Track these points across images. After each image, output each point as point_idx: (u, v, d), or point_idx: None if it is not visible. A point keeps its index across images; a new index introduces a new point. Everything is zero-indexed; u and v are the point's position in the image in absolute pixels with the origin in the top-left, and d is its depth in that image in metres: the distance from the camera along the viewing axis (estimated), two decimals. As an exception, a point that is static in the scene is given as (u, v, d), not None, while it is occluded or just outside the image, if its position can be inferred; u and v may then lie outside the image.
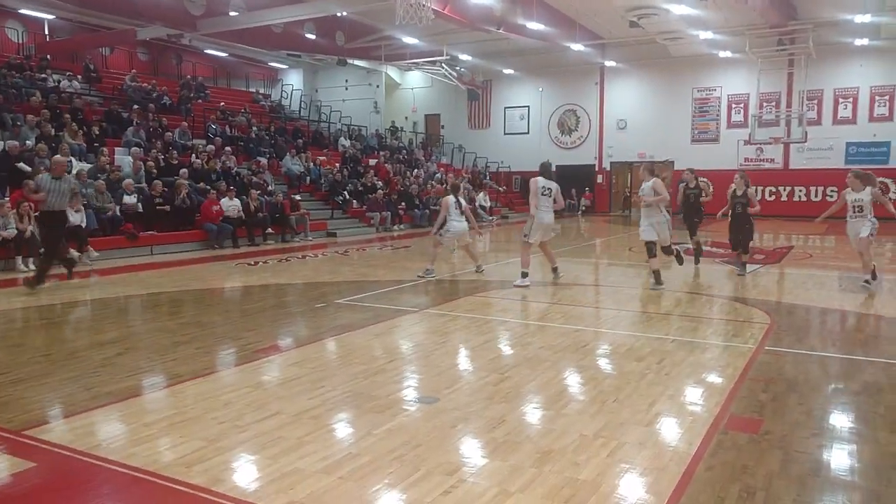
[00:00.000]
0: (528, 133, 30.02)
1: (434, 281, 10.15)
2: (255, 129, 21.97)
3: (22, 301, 8.82)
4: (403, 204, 21.39)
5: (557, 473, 3.48)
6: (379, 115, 30.90)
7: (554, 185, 9.73)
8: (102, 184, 13.63)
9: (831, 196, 23.83)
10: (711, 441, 3.90)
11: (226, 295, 9.83)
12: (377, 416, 4.33)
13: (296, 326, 7.42)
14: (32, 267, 11.23)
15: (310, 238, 17.17)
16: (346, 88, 31.12)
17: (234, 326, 7.23)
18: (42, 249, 10.10)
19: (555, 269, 10.01)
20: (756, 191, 24.64)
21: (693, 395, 4.80)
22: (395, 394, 4.85)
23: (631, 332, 6.92)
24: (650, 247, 9.36)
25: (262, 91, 29.34)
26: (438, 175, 25.72)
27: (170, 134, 18.18)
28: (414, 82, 31.81)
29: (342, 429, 4.21)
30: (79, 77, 20.43)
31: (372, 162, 24.19)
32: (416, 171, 25.23)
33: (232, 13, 19.89)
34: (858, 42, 22.62)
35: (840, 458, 3.74)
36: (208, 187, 15.74)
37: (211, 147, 18.34)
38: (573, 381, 5.24)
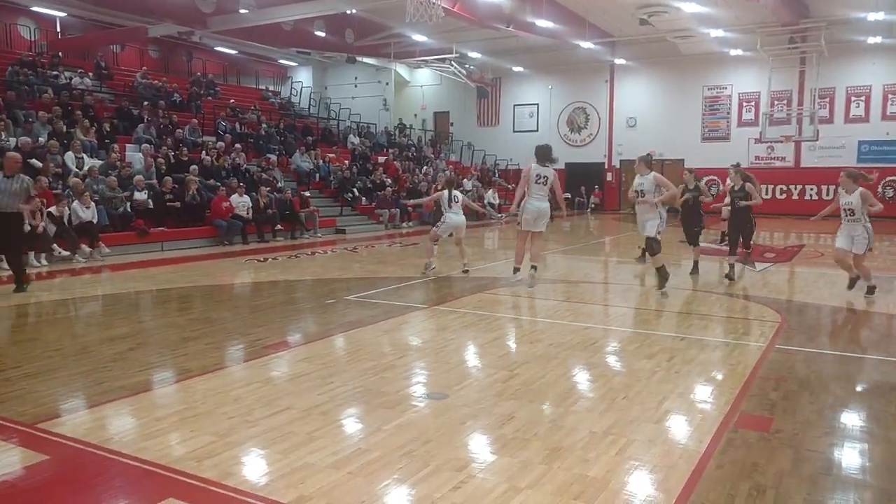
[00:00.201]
0: (537, 131, 29.96)
1: (443, 278, 10.16)
2: (264, 126, 22.04)
3: (34, 296, 8.89)
4: (412, 200, 21.37)
5: (567, 470, 3.48)
6: (388, 113, 30.93)
7: (550, 173, 8.91)
8: (114, 180, 13.71)
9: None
10: (721, 439, 3.89)
11: (235, 291, 9.87)
12: (387, 411, 4.34)
13: (305, 322, 7.45)
14: (45, 262, 11.33)
15: (319, 235, 17.22)
16: (356, 86, 31.17)
17: (244, 322, 7.26)
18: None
19: (533, 268, 9.19)
20: (766, 189, 24.79)
21: (703, 393, 4.79)
22: (405, 390, 4.86)
23: (640, 329, 6.90)
24: (652, 244, 8.78)
25: (271, 88, 29.40)
26: (444, 171, 25.68)
27: (180, 131, 18.27)
28: (423, 80, 31.81)
29: (352, 424, 4.22)
30: (90, 74, 20.55)
31: (381, 159, 24.22)
32: (425, 168, 25.23)
33: (242, 11, 19.95)
34: (871, 40, 22.43)
35: (851, 457, 3.72)
36: (218, 184, 15.81)
37: (221, 144, 18.42)
38: (582, 378, 5.23)
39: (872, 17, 19.92)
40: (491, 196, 24.54)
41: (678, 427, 4.17)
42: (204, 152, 17.37)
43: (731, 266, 9.74)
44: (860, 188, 8.08)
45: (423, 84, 31.95)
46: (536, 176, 8.83)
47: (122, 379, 5.04)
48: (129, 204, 13.74)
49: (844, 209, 8.19)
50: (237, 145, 18.92)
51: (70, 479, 3.49)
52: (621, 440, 3.86)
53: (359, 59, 27.33)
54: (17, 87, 16.89)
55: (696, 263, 10.46)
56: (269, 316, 7.57)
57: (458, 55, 25.64)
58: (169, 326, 7.06)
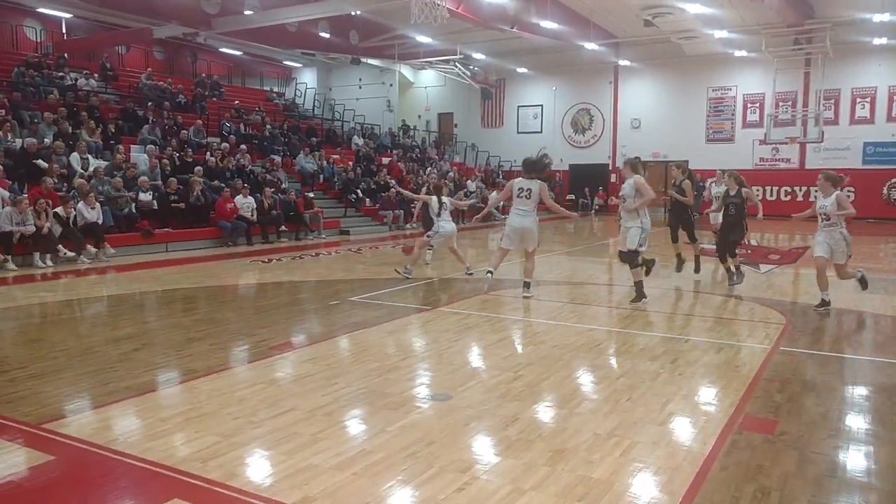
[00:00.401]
0: (541, 132, 29.94)
1: (445, 280, 10.16)
2: (269, 127, 22.08)
3: (39, 297, 8.93)
4: (415, 202, 21.39)
5: (571, 472, 3.48)
6: (392, 114, 30.96)
7: (535, 185, 8.23)
8: (119, 181, 13.75)
9: (848, 196, 23.57)
10: (726, 441, 3.89)
11: (240, 292, 9.89)
12: (391, 413, 4.34)
13: (309, 324, 7.46)
14: (50, 263, 11.38)
15: (323, 236, 17.24)
16: (360, 87, 31.20)
17: (248, 323, 7.28)
18: None
19: (527, 284, 8.56)
20: (771, 191, 24.72)
21: (707, 395, 4.78)
22: (409, 391, 4.86)
23: (644, 331, 6.90)
24: (631, 257, 8.14)
25: (276, 89, 29.46)
26: (452, 173, 25.70)
27: (185, 132, 18.32)
28: (427, 81, 31.82)
29: (356, 425, 4.23)
30: (95, 75, 20.63)
31: (385, 160, 24.23)
32: (429, 169, 25.24)
33: (247, 12, 19.98)
34: (877, 41, 22.37)
35: (856, 460, 3.72)
36: (223, 185, 15.84)
37: (225, 145, 18.45)
38: (586, 379, 5.23)
39: (878, 18, 19.86)
40: (495, 197, 24.52)
41: (682, 429, 4.16)
42: (208, 153, 17.41)
43: (731, 271, 9.21)
44: (837, 192, 7.65)
45: (427, 85, 31.97)
46: (518, 189, 8.25)
47: (128, 379, 5.06)
48: (133, 205, 13.78)
49: (820, 214, 7.73)
50: (242, 146, 18.96)
51: (76, 479, 3.50)
52: (625, 442, 3.86)
53: (363, 60, 27.36)
54: (23, 89, 16.98)
55: (697, 258, 10.28)
56: (273, 317, 7.59)
57: (462, 56, 25.63)
58: (174, 327, 7.08)
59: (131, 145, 16.40)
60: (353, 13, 21.45)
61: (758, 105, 25.73)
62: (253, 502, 3.18)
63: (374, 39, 25.13)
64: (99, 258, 12.03)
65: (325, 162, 21.19)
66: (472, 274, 10.16)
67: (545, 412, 4.44)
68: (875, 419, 4.34)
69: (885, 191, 23.86)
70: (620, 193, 8.28)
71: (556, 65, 28.06)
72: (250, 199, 15.62)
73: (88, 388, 4.91)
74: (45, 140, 14.33)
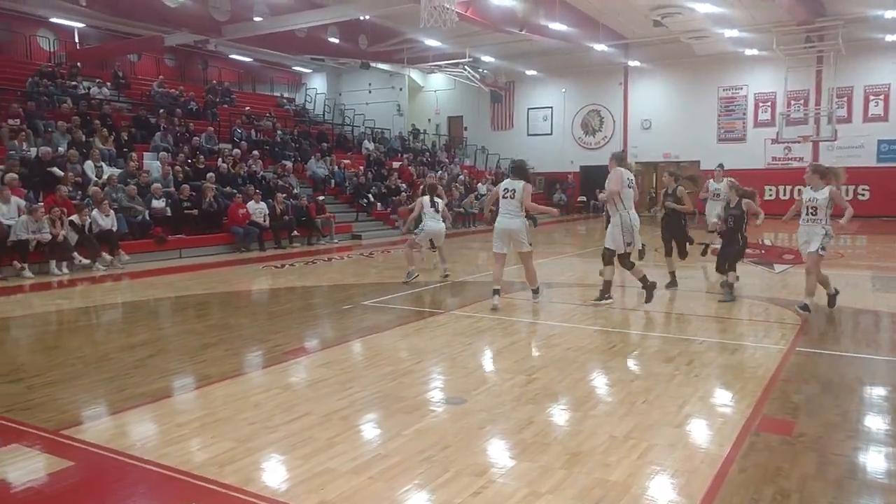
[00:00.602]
0: (551, 134, 29.91)
1: (458, 283, 10.16)
2: (279, 132, 22.19)
3: (55, 304, 9.01)
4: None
5: (587, 475, 3.46)
6: (402, 118, 31.02)
7: (519, 186, 7.97)
8: (133, 188, 13.86)
9: (862, 195, 23.39)
10: (744, 443, 3.85)
11: (253, 297, 9.93)
12: (406, 416, 4.34)
13: (323, 328, 7.48)
14: (66, 270, 11.47)
15: (335, 241, 17.28)
16: (370, 91, 31.30)
17: (262, 329, 7.30)
18: None
19: (535, 290, 8.32)
20: (784, 190, 24.52)
21: (724, 397, 4.74)
22: (423, 395, 4.86)
23: (659, 333, 6.86)
24: (606, 254, 8.04)
25: (286, 95, 29.61)
26: (462, 176, 25.71)
27: (196, 138, 18.44)
28: (437, 85, 31.87)
29: (371, 430, 4.23)
30: (108, 84, 20.82)
31: (395, 164, 24.28)
32: (439, 173, 25.26)
33: (256, 18, 20.10)
34: (890, 38, 22.17)
35: (877, 461, 3.67)
36: (235, 191, 15.93)
37: (237, 151, 18.56)
38: (601, 382, 5.21)
39: (890, 14, 19.68)
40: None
41: (699, 431, 4.14)
42: (220, 160, 17.52)
43: (725, 285, 8.48)
44: (829, 186, 7.27)
45: (436, 89, 32.02)
46: (504, 190, 8.07)
47: (143, 385, 5.09)
48: (147, 212, 13.88)
49: (807, 206, 7.33)
50: (254, 152, 19.06)
51: (95, 485, 3.52)
52: (642, 444, 3.84)
53: (372, 64, 27.43)
54: (38, 98, 17.15)
55: (672, 275, 9.32)
56: (286, 322, 7.61)
57: (471, 59, 25.66)
58: (188, 333, 7.11)
59: (144, 153, 16.53)
60: (361, 18, 21.52)
61: (769, 104, 25.56)
62: (270, 507, 3.18)
63: (384, 44, 25.20)
64: (114, 265, 12.12)
65: (336, 167, 21.26)
66: (448, 276, 10.34)
67: (560, 415, 4.42)
68: (895, 419, 4.29)
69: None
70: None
71: (566, 66, 28.01)
72: (262, 205, 15.69)
73: (105, 394, 4.95)
74: (60, 148, 14.46)
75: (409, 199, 20.91)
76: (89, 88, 19.54)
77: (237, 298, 9.59)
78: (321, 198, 18.36)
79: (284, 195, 16.74)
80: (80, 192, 13.23)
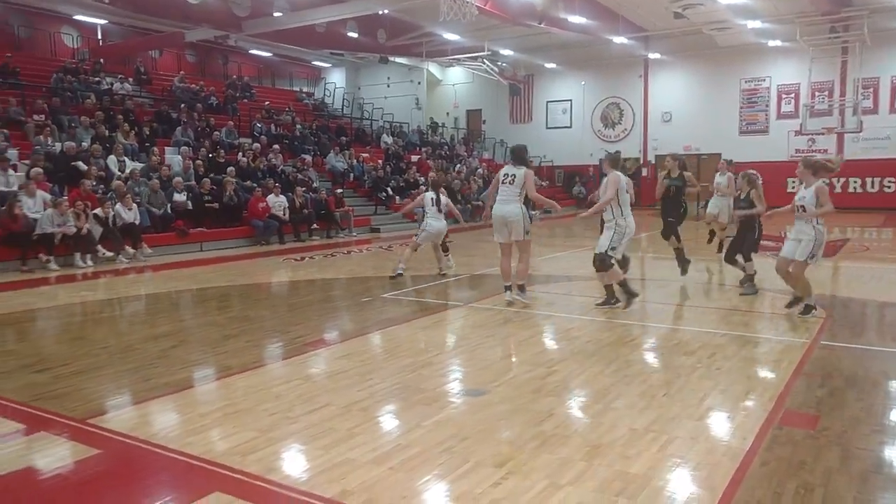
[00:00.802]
0: (570, 127, 29.74)
1: (477, 276, 10.15)
2: (299, 127, 22.30)
3: (80, 296, 9.16)
4: (445, 200, 21.42)
5: (607, 467, 3.45)
6: (420, 112, 31.01)
7: (519, 172, 7.52)
8: (156, 183, 14.03)
9: (889, 187, 23.01)
10: (766, 436, 3.82)
11: (273, 290, 10.01)
12: (425, 408, 4.36)
13: (342, 320, 7.52)
14: (90, 263, 11.65)
15: (354, 234, 17.35)
16: (388, 86, 31.32)
17: (282, 321, 7.36)
18: None
19: (520, 286, 7.73)
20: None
21: (746, 390, 4.70)
22: (443, 387, 4.87)
23: (679, 326, 6.81)
24: (600, 259, 7.38)
25: (305, 90, 29.73)
26: (480, 170, 25.66)
27: (217, 133, 18.60)
28: (455, 78, 31.81)
29: (391, 421, 4.26)
30: (130, 79, 21.04)
31: (414, 158, 24.30)
32: (458, 166, 25.25)
33: (276, 14, 20.21)
34: (917, 27, 21.74)
35: (903, 456, 3.62)
36: (255, 185, 16.05)
37: (257, 145, 18.69)
38: (621, 375, 5.18)
39: (918, 3, 19.29)
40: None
41: (721, 424, 4.11)
42: (240, 154, 17.65)
43: (749, 278, 8.34)
44: (818, 181, 6.72)
45: (455, 82, 31.96)
46: (504, 175, 7.62)
47: (167, 376, 5.16)
48: (169, 205, 14.04)
49: (797, 205, 6.82)
50: (274, 146, 19.18)
51: (122, 472, 3.58)
52: (662, 437, 3.82)
53: (391, 59, 27.45)
54: (62, 94, 17.39)
55: (680, 254, 9.39)
56: (306, 314, 7.67)
57: (490, 53, 25.56)
58: (209, 325, 7.19)
59: (165, 147, 16.71)
60: (380, 12, 21.52)
61: (793, 95, 25.17)
62: (292, 496, 3.22)
63: (402, 38, 25.20)
64: (136, 258, 12.29)
65: (354, 161, 21.33)
66: (444, 275, 10.04)
67: (580, 407, 4.41)
68: (921, 414, 4.23)
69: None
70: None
71: (585, 59, 27.80)
72: (282, 199, 15.80)
73: (129, 384, 5.03)
74: (83, 143, 14.67)
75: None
76: (112, 84, 19.76)
77: (257, 291, 9.67)
78: (340, 191, 18.44)
79: (304, 189, 16.84)
80: (102, 187, 13.41)
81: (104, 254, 11.92)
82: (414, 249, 10.02)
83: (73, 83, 18.56)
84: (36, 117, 15.31)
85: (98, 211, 12.16)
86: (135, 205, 12.89)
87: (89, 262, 11.66)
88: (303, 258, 12.85)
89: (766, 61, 25.41)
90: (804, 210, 6.70)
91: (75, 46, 23.77)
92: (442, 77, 32.05)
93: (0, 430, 4.10)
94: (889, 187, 22.89)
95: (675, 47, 26.10)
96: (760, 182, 8.32)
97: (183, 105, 19.60)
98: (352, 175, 20.74)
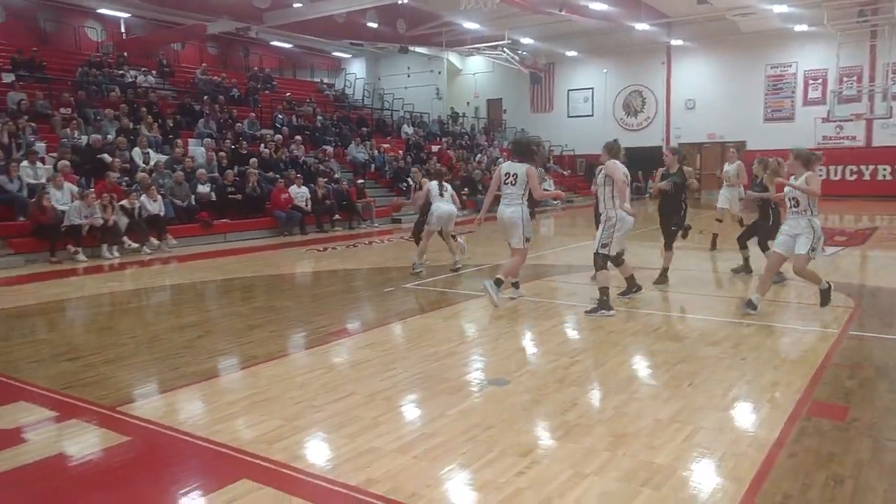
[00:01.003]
0: (592, 115, 29.47)
1: (499, 266, 10.11)
2: (320, 118, 22.38)
3: (108, 286, 9.30)
4: (466, 190, 21.39)
5: (632, 457, 3.44)
6: (441, 102, 30.95)
7: (520, 169, 6.98)
8: (181, 174, 14.18)
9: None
10: (794, 427, 3.77)
11: (296, 280, 10.09)
12: (449, 397, 4.37)
13: (365, 310, 7.56)
14: (116, 254, 11.83)
15: (376, 224, 17.40)
16: (409, 76, 31.27)
17: (306, 311, 7.42)
18: None
19: (496, 280, 6.99)
20: (836, 170, 23.74)
21: (772, 381, 4.64)
22: (466, 376, 4.88)
23: (704, 315, 6.74)
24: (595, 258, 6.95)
25: (326, 81, 29.81)
26: (501, 159, 25.56)
27: (239, 124, 18.73)
28: (475, 67, 31.66)
29: (415, 410, 4.28)
30: (153, 72, 21.26)
31: (435, 148, 24.28)
32: (478, 156, 25.18)
33: (296, 5, 20.26)
34: (949, 9, 21.16)
35: (935, 448, 3.56)
36: (277, 176, 16.15)
37: (279, 137, 18.79)
38: (645, 365, 5.15)
39: (951, -15, 18.78)
40: (548, 184, 24.28)
41: (747, 415, 4.07)
42: (262, 145, 17.77)
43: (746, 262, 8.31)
44: (808, 172, 6.30)
45: (475, 72, 31.81)
46: (504, 174, 7.06)
47: (193, 365, 5.23)
48: (192, 197, 14.19)
49: (789, 198, 6.48)
50: (296, 137, 19.27)
51: (151, 459, 3.65)
52: (688, 428, 3.79)
53: (411, 48, 27.38)
54: (87, 87, 17.62)
55: (664, 271, 8.24)
56: (329, 304, 7.72)
57: (510, 41, 25.38)
58: (234, 315, 7.27)
59: (189, 139, 16.87)
60: (399, 2, 21.47)
61: (820, 81, 24.68)
62: (318, 483, 3.25)
63: (422, 27, 25.13)
64: (161, 249, 12.45)
65: (375, 151, 21.37)
66: (458, 270, 9.44)
67: (604, 397, 4.39)
68: (954, 405, 4.15)
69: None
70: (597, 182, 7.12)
71: (607, 47, 27.50)
72: (304, 190, 15.88)
73: (157, 373, 5.11)
74: (108, 136, 14.86)
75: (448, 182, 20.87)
76: (135, 77, 19.99)
77: (281, 281, 9.75)
78: (361, 182, 18.49)
79: (325, 180, 16.92)
80: (126, 179, 13.58)
81: (130, 245, 12.10)
82: (427, 238, 9.56)
83: (98, 76, 18.79)
84: (62, 110, 15.54)
85: (125, 202, 12.33)
86: (159, 196, 13.04)
87: (116, 254, 11.84)
88: (325, 249, 12.93)
89: (792, 46, 24.93)
90: (798, 203, 6.36)
91: (99, 40, 24.04)
92: (462, 66, 31.92)
93: (35, 416, 4.20)
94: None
95: (698, 33, 25.70)
96: (786, 169, 8.09)
97: (205, 97, 19.76)
98: (373, 166, 20.78)
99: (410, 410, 4.27)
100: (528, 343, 5.98)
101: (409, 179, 14.94)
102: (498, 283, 6.94)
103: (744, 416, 4.06)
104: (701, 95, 26.89)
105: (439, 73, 31.16)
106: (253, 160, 16.23)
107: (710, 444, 3.58)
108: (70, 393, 4.59)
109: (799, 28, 23.53)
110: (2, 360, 5.49)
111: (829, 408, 4.10)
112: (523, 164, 7.06)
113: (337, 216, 16.48)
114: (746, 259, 8.80)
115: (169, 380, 4.89)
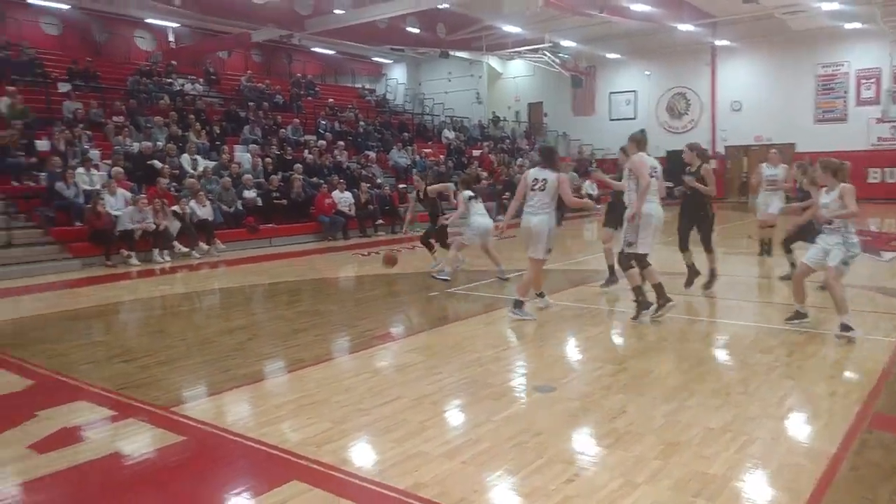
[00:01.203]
0: (635, 118, 29.03)
1: (544, 271, 10.03)
2: (362, 123, 22.60)
3: (160, 290, 9.55)
4: (507, 194, 21.33)
5: (684, 466, 3.37)
6: (482, 106, 30.95)
7: (550, 176, 6.67)
8: (228, 180, 14.50)
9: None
10: (855, 440, 3.65)
11: (340, 284, 10.21)
12: (494, 403, 4.36)
13: (409, 315, 7.60)
14: (167, 258, 12.14)
15: (418, 229, 17.43)
16: (449, 80, 31.36)
17: (350, 315, 7.49)
18: None
19: (515, 303, 6.81)
20: (891, 173, 22.91)
21: (829, 390, 4.50)
22: (511, 382, 4.87)
23: (754, 322, 6.59)
24: (621, 260, 6.85)
25: (367, 86, 30.09)
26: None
27: (283, 131, 19.05)
28: (516, 71, 31.57)
29: (461, 415, 4.28)
30: (200, 80, 21.76)
31: (476, 153, 24.28)
32: (519, 160, 25.09)
33: (337, 11, 20.51)
34: None
35: None
36: (321, 181, 16.37)
37: (322, 142, 19.04)
38: (694, 373, 5.05)
39: None
40: (588, 187, 24.05)
41: (803, 426, 3.96)
42: (306, 151, 18.03)
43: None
44: (842, 184, 5.72)
45: (516, 76, 31.72)
46: (533, 181, 6.74)
47: (243, 368, 5.34)
48: (239, 202, 14.48)
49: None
50: (339, 143, 19.50)
51: (205, 459, 3.73)
52: (741, 437, 3.70)
53: (451, 53, 27.45)
54: (138, 96, 18.13)
55: (711, 273, 7.90)
56: (373, 308, 7.78)
57: (551, 45, 25.25)
58: (280, 319, 7.39)
59: (235, 145, 17.22)
60: (440, 7, 21.57)
61: (873, 81, 23.88)
62: (367, 486, 3.28)
63: (462, 32, 25.17)
64: (210, 253, 12.73)
65: (417, 156, 21.48)
66: (507, 279, 8.96)
67: (653, 405, 4.32)
68: None
69: None
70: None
71: (649, 48, 27.12)
72: (347, 195, 16.05)
73: (208, 375, 5.22)
74: (158, 143, 15.27)
75: (490, 186, 20.85)
76: (183, 85, 20.49)
77: (325, 285, 9.88)
78: (403, 187, 18.59)
79: (368, 185, 17.06)
80: (174, 185, 13.91)
81: (180, 249, 12.41)
82: (458, 249, 9.26)
83: (148, 85, 19.32)
84: (115, 119, 16.03)
85: (176, 207, 12.66)
86: (208, 202, 13.35)
87: (167, 258, 12.15)
88: (368, 253, 13.04)
89: (844, 45, 24.19)
90: (831, 221, 5.80)
91: (149, 50, 24.74)
92: (502, 70, 31.87)
93: (94, 416, 4.34)
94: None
95: (744, 33, 25.14)
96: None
97: (251, 104, 20.15)
98: (415, 170, 20.88)
99: (456, 415, 4.27)
100: (573, 349, 5.93)
101: (408, 193, 14.00)
102: (517, 304, 6.74)
103: (800, 426, 3.95)
104: (747, 97, 26.29)
105: (480, 77, 31.17)
106: (297, 166, 16.48)
107: (765, 454, 3.50)
108: (126, 393, 4.73)
109: (850, 26, 22.82)
110: (61, 360, 5.68)
111: (892, 420, 3.96)
112: (552, 171, 6.76)
113: (380, 221, 16.61)
114: (793, 264, 8.28)
115: (219, 382, 5.00)
